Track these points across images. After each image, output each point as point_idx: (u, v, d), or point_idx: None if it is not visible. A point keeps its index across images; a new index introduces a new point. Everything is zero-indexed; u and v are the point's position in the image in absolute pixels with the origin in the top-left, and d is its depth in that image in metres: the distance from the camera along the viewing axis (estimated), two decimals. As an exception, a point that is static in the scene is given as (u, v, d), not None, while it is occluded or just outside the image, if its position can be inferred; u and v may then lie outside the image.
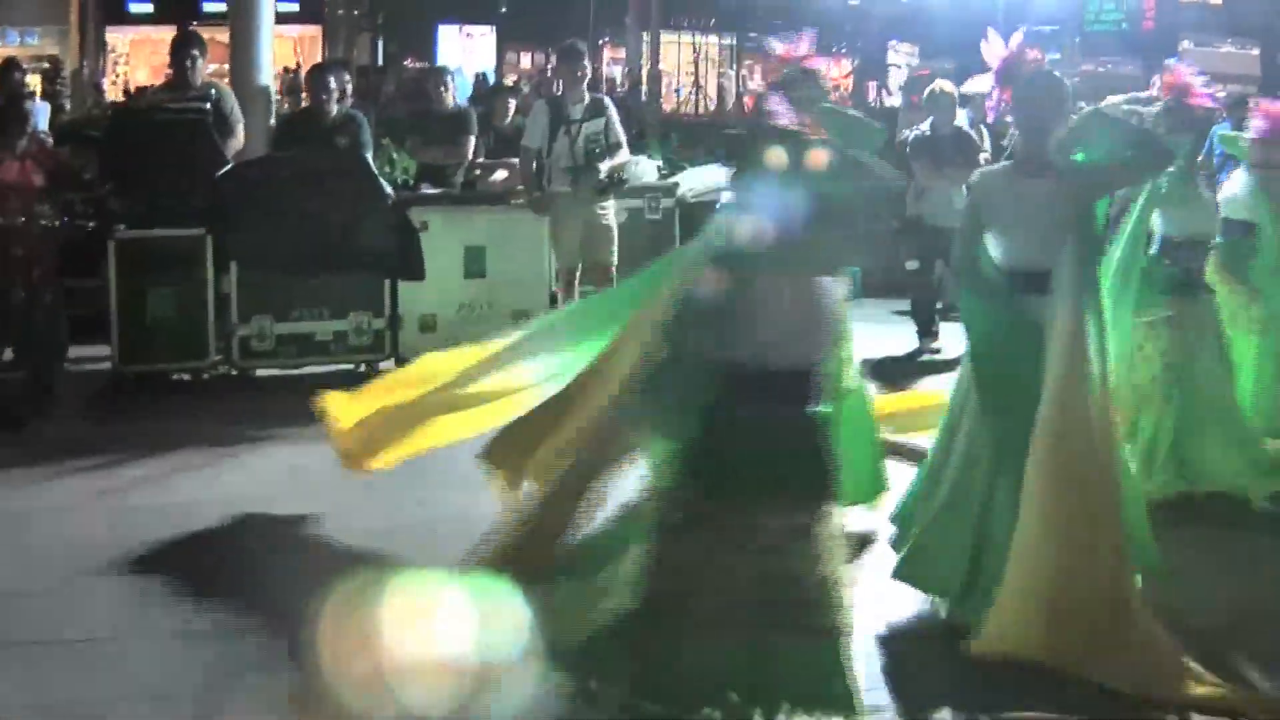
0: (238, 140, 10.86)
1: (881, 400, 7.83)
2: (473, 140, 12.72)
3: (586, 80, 10.94)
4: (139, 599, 6.33)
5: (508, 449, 6.40)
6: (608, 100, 11.07)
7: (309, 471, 8.24)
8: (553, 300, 10.85)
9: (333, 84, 11.07)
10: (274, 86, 14.08)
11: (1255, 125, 8.83)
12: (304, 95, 11.37)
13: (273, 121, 12.19)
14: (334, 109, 10.92)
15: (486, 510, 7.44)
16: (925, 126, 12.01)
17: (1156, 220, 8.05)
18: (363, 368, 10.53)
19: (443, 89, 13.14)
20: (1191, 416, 8.00)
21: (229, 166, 10.31)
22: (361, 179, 10.28)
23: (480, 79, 27.16)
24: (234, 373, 10.30)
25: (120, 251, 9.94)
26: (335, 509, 7.58)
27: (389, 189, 10.53)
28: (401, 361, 10.45)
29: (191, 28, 14.08)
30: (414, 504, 7.65)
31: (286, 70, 28.72)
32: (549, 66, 18.24)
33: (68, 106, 22.46)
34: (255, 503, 7.70)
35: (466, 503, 7.59)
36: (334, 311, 10.43)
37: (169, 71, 11.73)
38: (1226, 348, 8.25)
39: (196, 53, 10.90)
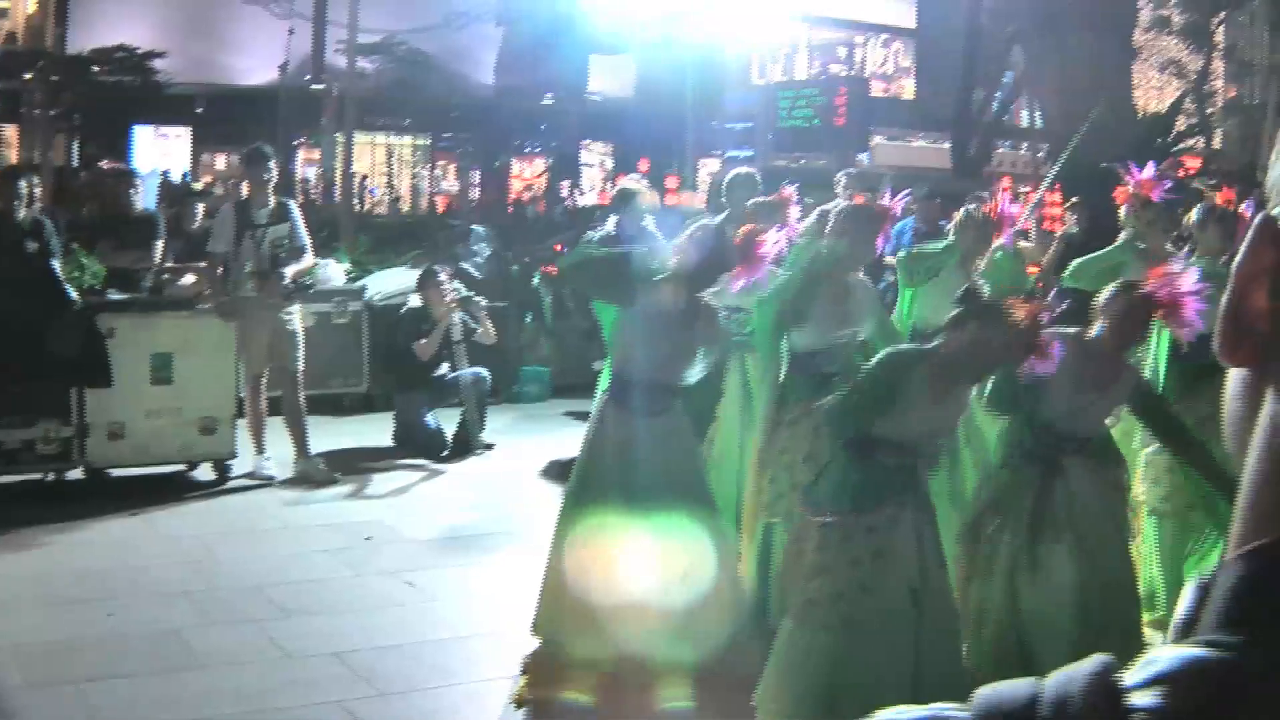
0: None
1: None
2: (160, 244, 12.76)
3: (273, 184, 11.11)
4: None
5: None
6: (292, 204, 11.23)
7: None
8: (240, 405, 10.95)
9: (22, 188, 11.04)
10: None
11: None
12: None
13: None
14: (23, 213, 10.90)
15: (177, 622, 7.58)
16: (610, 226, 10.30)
17: None
18: (51, 477, 10.47)
19: (132, 192, 13.16)
20: None
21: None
22: (47, 285, 10.23)
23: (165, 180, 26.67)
24: (-82, 485, 10.07)
25: None
26: (24, 623, 7.56)
27: (74, 294, 10.46)
28: (90, 471, 10.42)
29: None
30: (103, 616, 7.66)
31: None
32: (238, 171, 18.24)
33: None
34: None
35: (156, 615, 7.71)
36: (22, 420, 10.19)
37: None
38: None
39: None
